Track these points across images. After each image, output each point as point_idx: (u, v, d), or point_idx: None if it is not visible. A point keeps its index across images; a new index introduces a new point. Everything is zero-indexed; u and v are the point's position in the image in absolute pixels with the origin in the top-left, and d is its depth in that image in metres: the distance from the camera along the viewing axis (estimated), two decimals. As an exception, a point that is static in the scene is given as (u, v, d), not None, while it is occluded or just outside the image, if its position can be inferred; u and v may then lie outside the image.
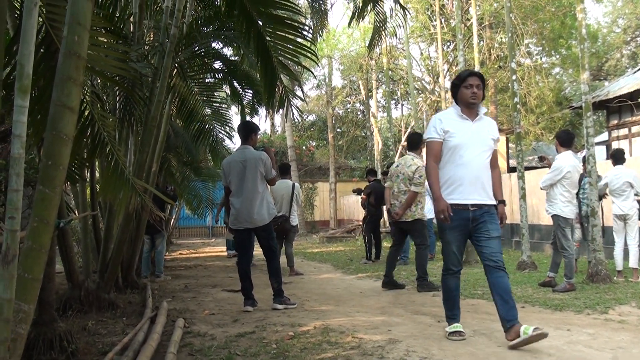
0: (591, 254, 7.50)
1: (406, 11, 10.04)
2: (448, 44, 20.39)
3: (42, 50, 4.00)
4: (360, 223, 14.89)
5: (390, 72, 21.36)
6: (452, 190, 4.39)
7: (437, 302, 6.20)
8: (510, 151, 17.28)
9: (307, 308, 6.05)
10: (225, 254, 13.69)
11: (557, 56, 22.41)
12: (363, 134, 33.05)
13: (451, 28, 18.66)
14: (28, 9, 2.33)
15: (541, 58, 22.34)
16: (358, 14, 9.42)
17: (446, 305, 4.56)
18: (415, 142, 7.74)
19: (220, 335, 4.70)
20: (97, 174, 8.25)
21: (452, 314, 4.53)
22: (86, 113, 4.95)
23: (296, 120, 27.14)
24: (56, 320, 4.29)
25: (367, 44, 10.61)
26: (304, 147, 32.16)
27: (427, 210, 11.67)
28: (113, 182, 5.18)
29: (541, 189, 7.19)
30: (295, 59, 6.62)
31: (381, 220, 12.87)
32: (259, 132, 6.69)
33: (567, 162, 6.90)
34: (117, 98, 7.33)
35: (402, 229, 7.65)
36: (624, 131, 15.93)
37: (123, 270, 7.57)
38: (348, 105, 34.37)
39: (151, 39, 8.80)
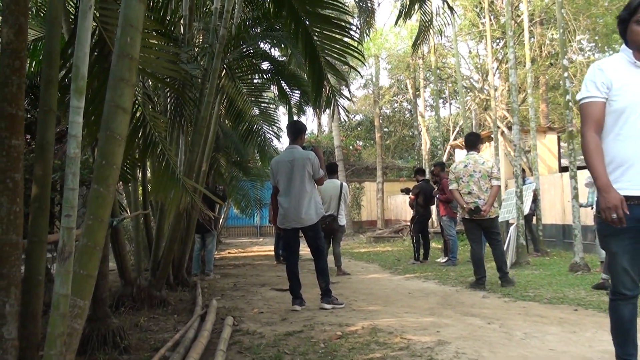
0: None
1: (453, 11, 9.92)
2: (497, 41, 20.03)
3: (95, 52, 4.10)
4: (408, 223, 14.77)
5: (438, 71, 21.13)
6: (620, 175, 2.96)
7: (487, 303, 6.11)
8: (562, 150, 16.88)
9: (354, 308, 6.04)
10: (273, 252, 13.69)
11: (611, 52, 21.75)
12: (410, 134, 32.75)
13: (501, 25, 18.34)
14: (83, 12, 2.39)
15: (594, 54, 21.75)
16: (405, 14, 9.35)
17: (616, 340, 3.15)
18: (472, 142, 7.76)
19: (269, 334, 4.73)
20: (148, 174, 8.42)
21: (626, 354, 3.09)
22: (138, 114, 5.04)
23: (343, 120, 27.13)
24: (109, 317, 4.39)
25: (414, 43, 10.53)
26: (351, 147, 32.14)
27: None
28: (164, 182, 5.27)
29: (585, 185, 7.06)
30: (342, 58, 6.61)
31: (430, 221, 12.73)
32: (306, 132, 6.73)
33: None
34: (168, 99, 7.47)
35: (479, 226, 7.50)
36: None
37: (174, 269, 7.70)
38: (395, 105, 34.14)
39: (201, 40, 8.93)
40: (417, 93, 25.62)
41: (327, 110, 7.59)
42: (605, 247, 3.10)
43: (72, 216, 2.33)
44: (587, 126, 3.03)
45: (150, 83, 7.24)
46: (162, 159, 5.26)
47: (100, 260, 2.65)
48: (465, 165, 7.51)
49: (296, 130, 6.39)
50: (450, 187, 7.75)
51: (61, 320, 2.32)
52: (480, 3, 18.81)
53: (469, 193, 7.41)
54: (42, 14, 6.16)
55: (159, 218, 7.45)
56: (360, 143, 35.27)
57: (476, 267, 7.41)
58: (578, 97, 3.21)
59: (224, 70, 7.98)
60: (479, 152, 7.67)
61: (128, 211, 7.89)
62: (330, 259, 7.85)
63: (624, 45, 3.11)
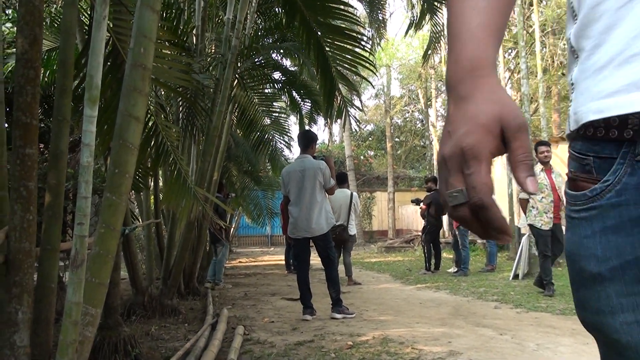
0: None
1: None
2: (509, 51, 20.03)
3: (109, 62, 4.14)
4: (419, 233, 14.73)
5: (449, 81, 21.12)
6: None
7: (499, 314, 6.07)
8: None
9: (365, 318, 6.02)
10: (283, 262, 13.70)
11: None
12: (422, 143, 32.80)
13: (512, 35, 18.32)
14: (97, 22, 2.41)
15: (607, 64, 21.69)
16: (415, 25, 9.39)
17: None
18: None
19: (280, 343, 4.72)
20: (160, 183, 8.46)
21: None
22: (151, 123, 5.08)
23: (354, 129, 27.15)
24: (121, 325, 4.41)
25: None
26: (362, 157, 32.14)
27: None
28: (176, 191, 5.29)
29: None
30: (353, 69, 6.64)
31: (441, 231, 12.68)
32: (317, 142, 6.75)
33: None
34: (180, 108, 7.51)
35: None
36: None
37: (185, 277, 7.72)
38: (407, 115, 34.20)
39: (213, 50, 9.00)
40: (428, 103, 25.66)
41: (339, 120, 7.62)
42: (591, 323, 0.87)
43: (85, 224, 2.34)
44: None
45: (163, 92, 7.29)
46: (174, 168, 5.30)
47: (112, 268, 2.67)
48: None
49: (307, 140, 6.40)
50: None
51: (73, 328, 2.34)
52: (492, 13, 18.80)
53: None
54: (56, 25, 6.22)
55: (171, 227, 7.48)
56: (372, 153, 35.26)
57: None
58: None
59: (236, 80, 8.03)
60: (539, 163, 7.77)
61: (140, 220, 7.92)
62: (341, 268, 7.83)
63: None
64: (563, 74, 19.32)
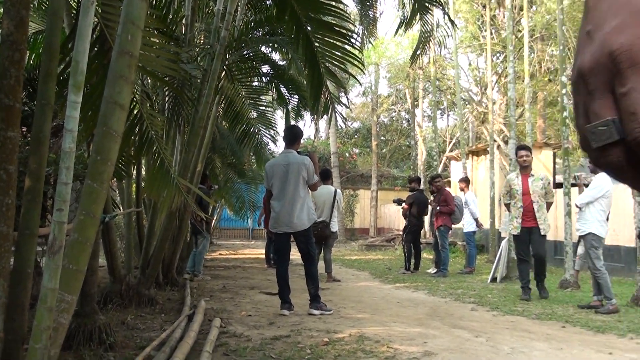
0: (637, 276, 7.32)
1: (454, 24, 9.99)
2: (497, 55, 20.11)
3: (95, 48, 4.10)
4: (401, 232, 14.77)
5: (437, 82, 21.19)
6: None
7: (476, 316, 6.11)
8: (557, 166, 16.93)
9: (343, 315, 6.04)
10: (264, 255, 13.67)
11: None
12: (407, 143, 32.80)
13: (502, 39, 18.41)
14: (85, 7, 2.39)
15: (593, 73, 21.79)
16: (406, 24, 9.38)
17: None
18: None
19: (256, 337, 4.72)
20: (143, 172, 8.41)
21: None
22: (135, 111, 5.05)
23: (340, 126, 27.14)
24: (97, 313, 4.38)
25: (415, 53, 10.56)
26: (347, 154, 32.14)
27: (467, 224, 11.59)
28: (158, 181, 5.27)
29: (577, 206, 7.10)
30: (342, 66, 6.63)
31: (422, 231, 12.72)
32: (303, 138, 6.75)
33: (608, 180, 6.81)
34: (166, 98, 7.47)
35: None
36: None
37: (164, 268, 7.69)
38: (393, 114, 34.22)
39: (202, 41, 8.95)
40: (415, 103, 25.70)
41: (325, 116, 7.62)
42: None
43: (64, 210, 2.33)
44: None
45: (149, 81, 7.24)
46: (157, 157, 5.27)
47: (90, 256, 2.65)
48: None
49: (293, 135, 6.40)
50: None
51: (48, 314, 2.32)
52: (482, 16, 18.92)
53: None
54: (43, 7, 6.15)
55: (151, 216, 7.44)
56: (357, 150, 35.25)
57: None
58: None
59: (224, 72, 7.98)
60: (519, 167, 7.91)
61: (121, 208, 7.87)
62: (321, 265, 7.84)
63: None
64: (550, 80, 19.43)
